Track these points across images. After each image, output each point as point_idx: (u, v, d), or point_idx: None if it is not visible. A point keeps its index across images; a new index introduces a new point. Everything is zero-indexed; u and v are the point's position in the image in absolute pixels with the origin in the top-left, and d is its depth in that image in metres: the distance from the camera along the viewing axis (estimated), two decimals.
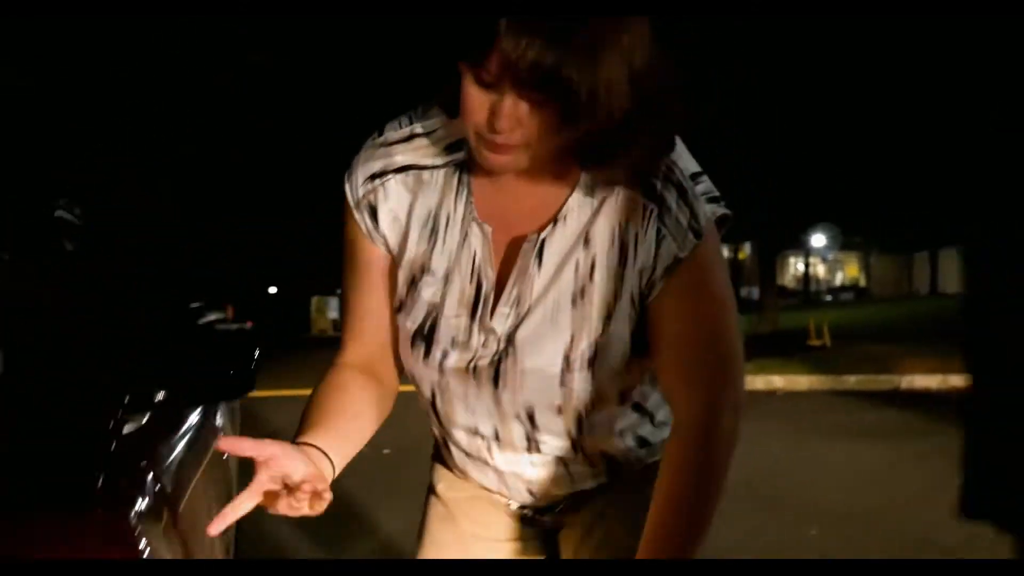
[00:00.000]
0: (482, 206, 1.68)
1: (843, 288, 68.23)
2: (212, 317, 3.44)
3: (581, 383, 1.66)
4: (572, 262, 1.64)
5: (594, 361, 1.65)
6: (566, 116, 1.48)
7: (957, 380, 12.46)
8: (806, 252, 56.33)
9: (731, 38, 17.59)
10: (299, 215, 31.70)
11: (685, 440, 1.65)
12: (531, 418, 1.72)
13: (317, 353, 28.65)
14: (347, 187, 1.74)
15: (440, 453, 1.98)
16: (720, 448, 1.64)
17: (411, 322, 1.72)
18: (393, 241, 1.73)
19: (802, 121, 19.28)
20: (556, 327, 1.64)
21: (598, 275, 1.64)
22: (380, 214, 1.72)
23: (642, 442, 1.85)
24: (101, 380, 2.53)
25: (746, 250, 58.35)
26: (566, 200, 1.65)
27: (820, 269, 70.72)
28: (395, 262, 1.75)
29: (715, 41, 17.35)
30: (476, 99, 1.51)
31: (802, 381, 14.10)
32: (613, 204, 1.64)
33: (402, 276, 1.73)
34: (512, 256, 1.67)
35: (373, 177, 1.72)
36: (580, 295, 1.64)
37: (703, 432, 1.64)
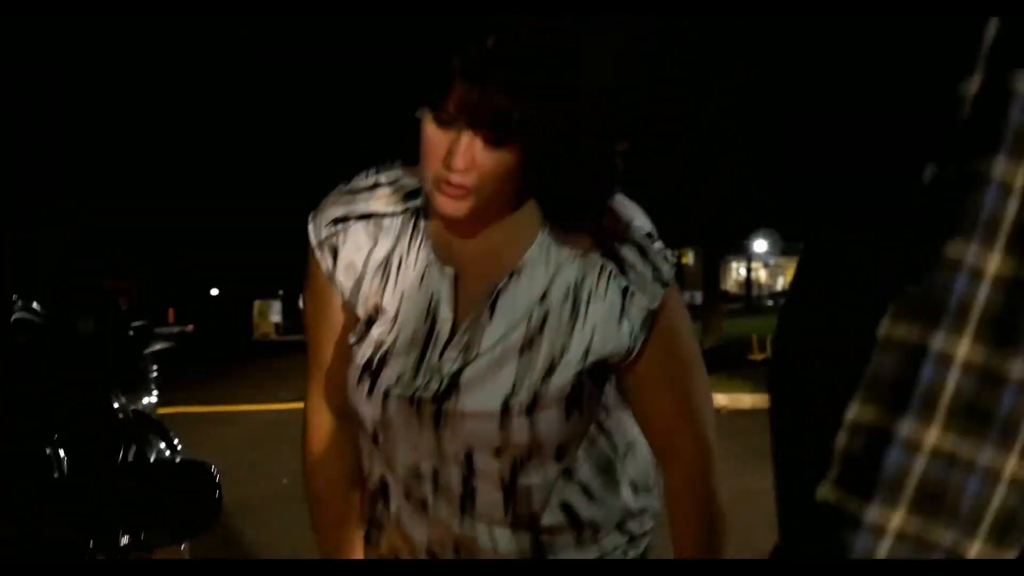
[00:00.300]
0: (441, 252, 1.74)
1: (784, 293, 69.00)
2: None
3: (519, 429, 1.68)
4: (526, 316, 1.69)
5: (533, 409, 1.68)
6: (520, 158, 1.57)
7: None
8: (748, 257, 56.88)
9: (676, 38, 17.72)
10: (241, 215, 31.49)
11: (684, 481, 1.79)
12: (469, 459, 1.73)
13: (260, 362, 28.56)
14: (311, 227, 1.79)
15: (373, 517, 1.95)
16: (712, 481, 1.79)
17: (360, 358, 1.75)
18: (348, 284, 1.78)
19: (742, 126, 19.44)
20: (500, 374, 1.69)
21: (548, 329, 1.69)
22: (340, 257, 1.77)
23: (573, 519, 1.82)
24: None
25: (689, 256, 58.88)
26: (523, 254, 1.71)
27: (762, 274, 71.48)
28: (350, 304, 1.79)
29: (658, 43, 17.47)
30: (434, 139, 1.58)
31: (746, 399, 14.22)
32: (571, 261, 1.69)
33: (357, 315, 1.78)
34: (466, 303, 1.72)
35: (336, 221, 1.77)
36: (528, 346, 1.69)
37: (699, 467, 1.78)
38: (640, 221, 1.73)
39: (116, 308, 8.18)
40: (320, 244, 1.77)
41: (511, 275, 1.70)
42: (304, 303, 1.86)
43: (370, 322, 1.75)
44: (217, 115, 23.30)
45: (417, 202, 1.76)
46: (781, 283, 73.92)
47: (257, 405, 15.62)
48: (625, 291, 1.68)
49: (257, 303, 52.92)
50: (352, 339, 1.77)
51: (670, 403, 1.76)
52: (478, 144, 1.56)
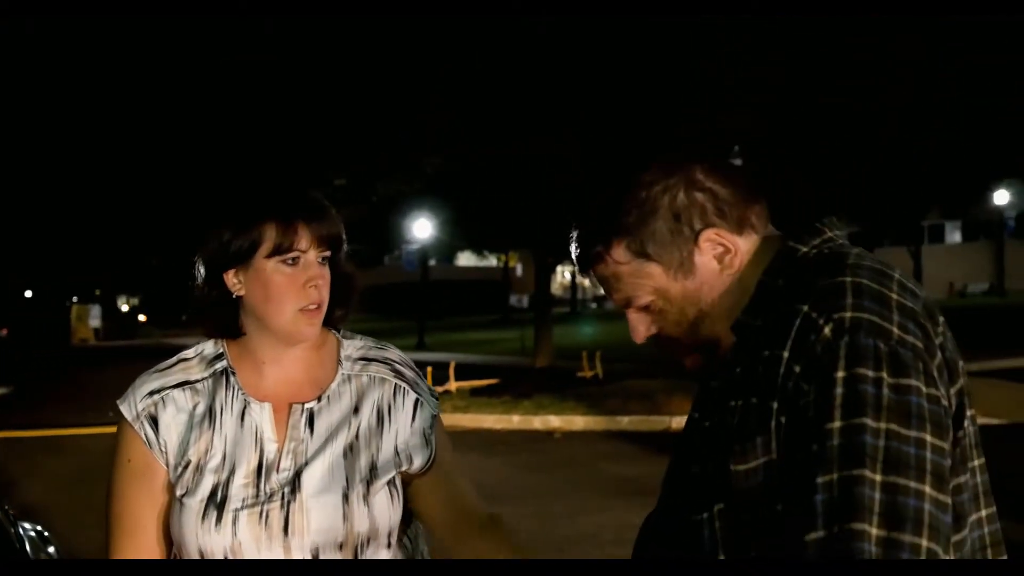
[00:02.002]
0: (255, 392, 2.09)
1: (608, 297, 70.18)
2: None
3: (360, 516, 2.02)
4: (344, 427, 2.09)
5: (368, 497, 2.04)
6: (335, 273, 2.08)
7: None
8: (572, 261, 57.60)
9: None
10: (57, 213, 30.34)
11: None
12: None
13: (84, 372, 27.61)
14: (124, 407, 2.09)
15: None
16: None
17: (199, 498, 2.01)
18: (174, 439, 2.07)
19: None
20: (333, 475, 2.04)
21: (362, 437, 2.09)
22: (161, 422, 2.07)
23: None
24: None
25: (516, 258, 59.43)
26: (328, 385, 2.12)
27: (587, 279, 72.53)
28: (175, 463, 2.06)
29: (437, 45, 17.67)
30: (289, 278, 2.03)
31: (578, 421, 14.53)
32: (372, 385, 2.13)
33: (186, 466, 2.05)
34: (283, 427, 2.07)
35: (152, 393, 2.09)
36: (350, 450, 2.07)
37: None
38: (403, 354, 2.21)
39: None
40: (136, 417, 2.07)
41: (319, 399, 2.09)
42: (114, 484, 2.08)
43: (198, 468, 2.03)
44: (28, 110, 22.54)
45: (222, 363, 2.12)
46: None
47: (86, 429, 15.18)
48: (416, 402, 2.15)
49: (75, 308, 51.24)
50: (182, 491, 2.02)
51: (456, 479, 2.19)
52: (322, 267, 2.06)
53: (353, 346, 2.16)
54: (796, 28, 16.40)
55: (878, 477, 1.34)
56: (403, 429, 2.11)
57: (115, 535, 2.08)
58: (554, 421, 14.50)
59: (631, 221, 1.62)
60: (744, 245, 1.62)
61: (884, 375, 1.39)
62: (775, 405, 1.45)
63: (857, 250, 1.58)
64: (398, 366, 2.17)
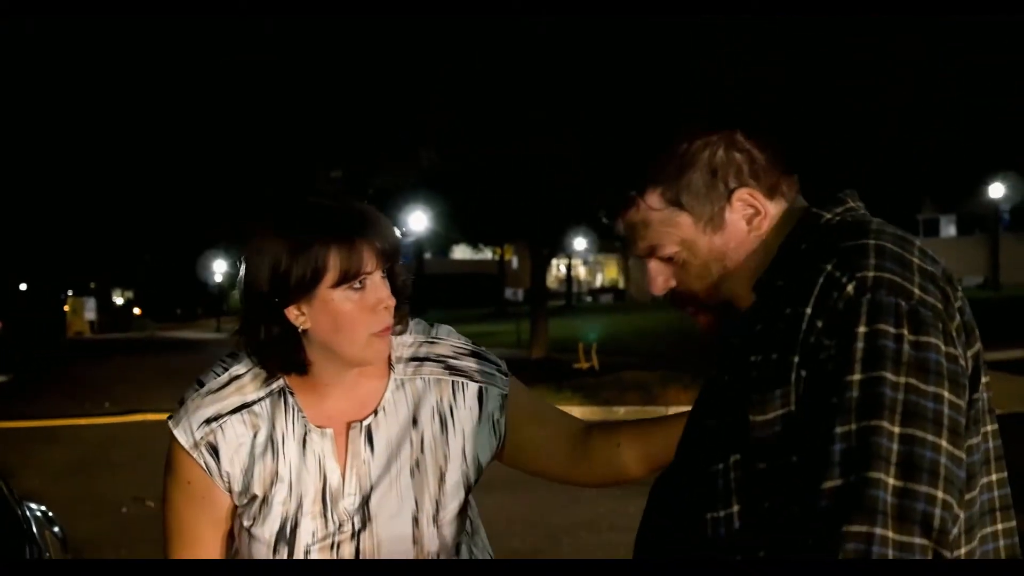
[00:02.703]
0: (315, 416, 1.98)
1: (603, 290, 70.39)
2: None
3: (430, 539, 1.98)
4: (407, 443, 1.99)
5: (438, 517, 1.98)
6: (394, 285, 1.93)
7: None
8: (568, 255, 57.78)
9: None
10: (52, 207, 30.28)
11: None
12: None
13: (79, 364, 27.55)
14: (179, 432, 1.97)
15: None
16: None
17: (268, 531, 1.95)
18: (238, 472, 1.97)
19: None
20: (400, 497, 1.97)
21: (427, 450, 2.00)
22: (222, 453, 1.96)
23: None
24: None
25: (511, 251, 59.40)
26: (381, 396, 2.00)
27: (581, 271, 72.68)
28: (239, 491, 1.98)
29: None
30: (358, 304, 1.88)
31: (575, 412, 14.28)
32: (427, 389, 2.02)
33: (252, 499, 1.97)
34: (344, 450, 1.98)
35: (209, 421, 1.96)
36: (416, 467, 1.99)
37: None
38: (458, 338, 2.09)
39: None
40: (195, 445, 1.95)
41: (375, 412, 1.99)
42: (172, 501, 2.00)
43: (265, 500, 1.95)
44: (26, 105, 22.51)
45: (279, 383, 1.98)
46: (600, 280, 75.37)
47: (82, 419, 15.20)
48: (479, 392, 2.04)
49: (70, 300, 51.12)
50: (249, 521, 1.97)
51: (553, 412, 2.17)
52: (386, 284, 1.91)
53: (403, 344, 2.03)
54: (796, 28, 16.41)
55: (896, 428, 1.39)
56: (469, 427, 2.02)
57: (175, 547, 2.01)
58: None
59: (669, 170, 1.66)
60: (773, 210, 1.67)
61: (904, 331, 1.43)
62: (796, 359, 1.48)
63: (879, 220, 1.62)
64: (452, 360, 2.04)
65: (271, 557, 1.95)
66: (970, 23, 15.99)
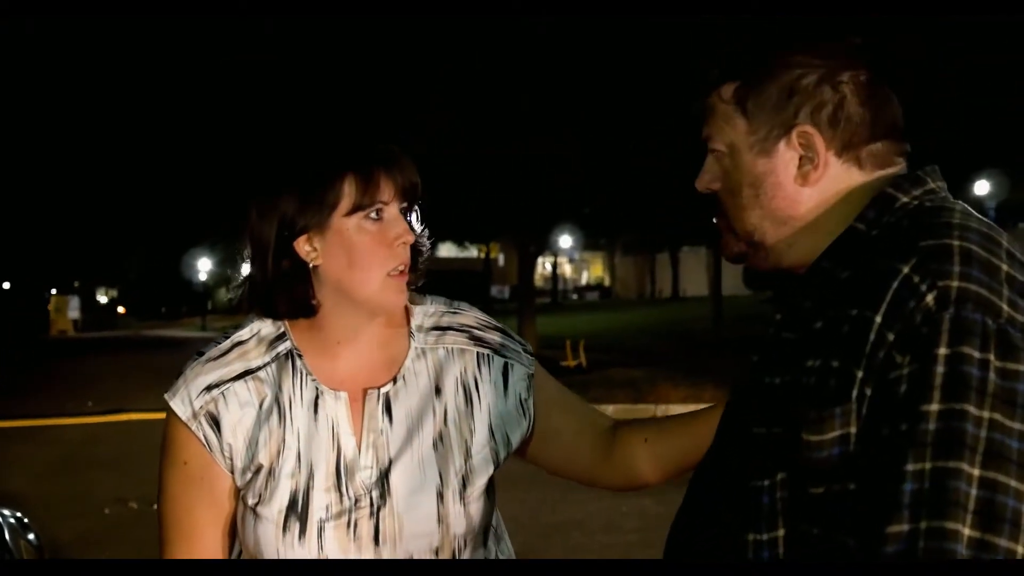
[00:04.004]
0: (327, 380, 1.83)
1: (589, 287, 70.44)
2: None
3: (456, 517, 1.80)
4: (429, 414, 1.83)
5: (464, 493, 1.81)
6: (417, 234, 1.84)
7: None
8: (554, 252, 57.78)
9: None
10: (36, 205, 30.14)
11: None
12: None
13: (62, 363, 27.46)
14: (176, 403, 1.81)
15: None
16: None
17: (276, 508, 1.77)
18: (240, 444, 1.80)
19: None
20: (423, 470, 1.80)
21: (451, 422, 1.84)
22: (223, 422, 1.80)
23: None
24: None
25: (497, 249, 59.37)
26: (401, 363, 1.85)
27: (567, 268, 72.74)
28: (242, 467, 1.81)
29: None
30: (375, 236, 1.77)
31: None
32: (451, 359, 1.88)
33: (257, 471, 1.80)
34: (359, 418, 1.82)
35: (210, 388, 1.81)
36: (440, 440, 1.82)
37: None
38: (481, 312, 1.98)
39: None
40: (194, 416, 1.80)
41: (394, 380, 1.83)
42: (167, 485, 1.84)
43: (271, 472, 1.78)
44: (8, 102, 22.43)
45: (285, 345, 1.84)
46: (586, 277, 75.46)
47: (64, 419, 15.09)
48: (505, 367, 1.91)
49: (53, 299, 51.01)
50: (254, 499, 1.78)
51: (580, 403, 2.05)
52: (405, 222, 1.80)
53: (424, 313, 1.91)
54: (796, 28, 16.41)
55: (976, 471, 1.23)
56: (495, 403, 1.88)
57: (170, 539, 1.84)
58: None
59: (754, 72, 1.51)
60: (835, 171, 1.49)
61: (991, 357, 1.26)
62: (860, 374, 1.31)
63: (962, 206, 1.44)
64: (476, 331, 1.92)
65: (281, 537, 1.76)
66: (970, 23, 15.99)
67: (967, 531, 1.22)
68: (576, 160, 19.47)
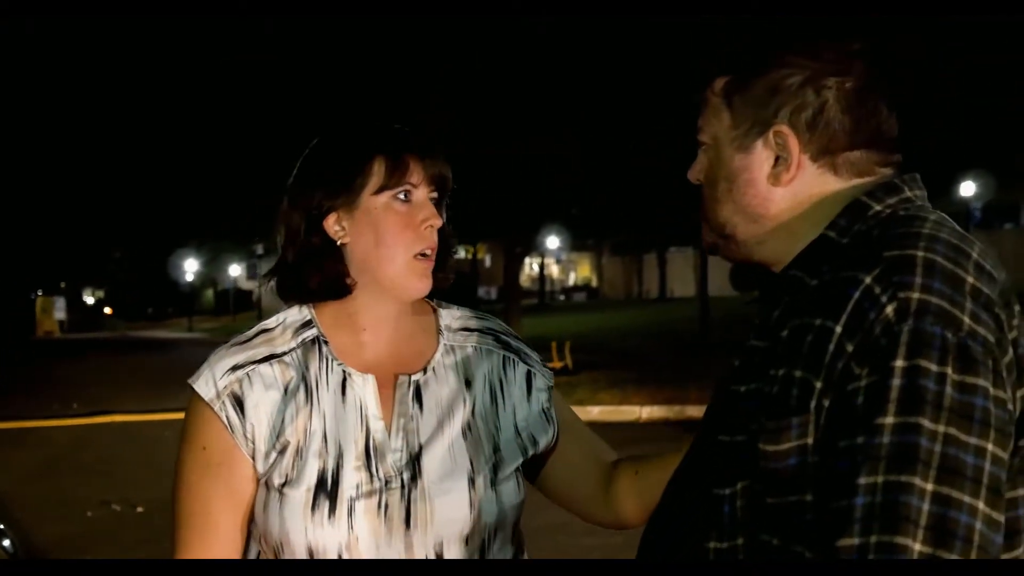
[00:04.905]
0: (355, 363, 1.84)
1: (576, 288, 70.48)
2: None
3: (488, 504, 1.80)
4: (459, 404, 1.86)
5: (495, 480, 1.82)
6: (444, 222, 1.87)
7: (693, 411, 13.06)
8: (541, 253, 57.79)
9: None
10: (22, 206, 30.02)
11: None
12: (439, 557, 1.79)
13: (47, 364, 27.36)
14: (200, 384, 1.80)
15: None
16: None
17: (305, 487, 1.75)
18: (264, 426, 1.79)
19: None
20: (455, 458, 1.81)
21: (479, 415, 1.87)
22: (247, 402, 1.80)
23: None
24: None
25: (484, 250, 59.33)
26: (430, 357, 1.89)
27: (554, 269, 72.76)
28: (266, 449, 1.79)
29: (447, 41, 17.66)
30: (403, 216, 1.82)
31: None
32: (479, 358, 1.93)
33: (283, 450, 1.78)
34: (389, 403, 1.83)
35: (235, 368, 1.81)
36: (468, 429, 1.85)
37: None
38: (504, 324, 2.03)
39: None
40: (216, 396, 1.79)
41: (424, 370, 1.87)
42: (184, 474, 1.81)
43: (300, 451, 1.77)
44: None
45: (311, 332, 1.86)
46: (573, 278, 75.50)
47: (50, 421, 15.03)
48: (528, 374, 1.95)
49: (39, 300, 50.85)
50: (281, 479, 1.76)
51: (590, 432, 2.08)
52: (433, 207, 1.85)
53: (451, 315, 1.96)
54: (796, 28, 16.45)
55: (929, 486, 1.21)
56: (520, 405, 1.92)
57: (184, 533, 1.81)
58: None
59: (746, 70, 1.50)
60: (809, 175, 1.47)
61: (949, 371, 1.24)
62: (819, 384, 1.29)
63: (935, 216, 1.41)
64: (503, 336, 1.97)
65: (310, 516, 1.73)
66: (970, 23, 16.02)
67: (917, 546, 1.20)
68: (564, 161, 19.50)
